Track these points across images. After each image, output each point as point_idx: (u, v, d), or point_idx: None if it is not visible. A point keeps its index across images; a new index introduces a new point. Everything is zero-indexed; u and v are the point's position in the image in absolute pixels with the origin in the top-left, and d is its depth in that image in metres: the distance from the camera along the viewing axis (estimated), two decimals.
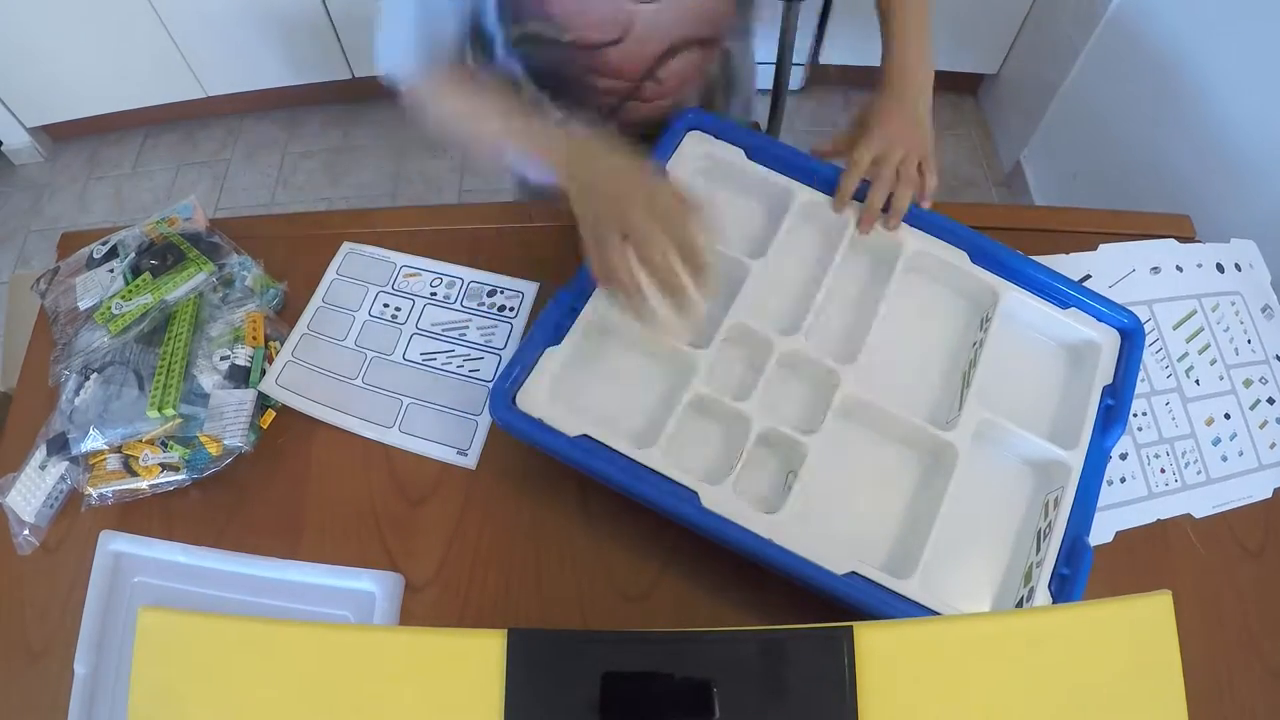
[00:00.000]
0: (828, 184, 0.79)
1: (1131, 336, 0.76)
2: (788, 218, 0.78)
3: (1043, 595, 0.65)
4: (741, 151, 0.80)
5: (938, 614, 0.63)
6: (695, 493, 0.65)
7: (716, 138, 0.81)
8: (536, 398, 0.67)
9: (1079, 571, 0.66)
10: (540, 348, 0.69)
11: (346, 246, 0.85)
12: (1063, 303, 0.78)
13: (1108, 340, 0.77)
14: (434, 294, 0.83)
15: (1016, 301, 0.77)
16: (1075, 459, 0.70)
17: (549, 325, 0.69)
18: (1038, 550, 0.68)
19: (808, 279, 0.77)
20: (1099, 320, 0.77)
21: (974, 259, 0.78)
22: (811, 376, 0.73)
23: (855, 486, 0.70)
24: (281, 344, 0.78)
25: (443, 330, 0.81)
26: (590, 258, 0.67)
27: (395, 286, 0.83)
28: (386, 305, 0.82)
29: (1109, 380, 0.75)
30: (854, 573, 0.63)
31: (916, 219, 0.78)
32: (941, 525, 0.66)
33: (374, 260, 0.85)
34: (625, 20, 0.76)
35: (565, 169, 0.69)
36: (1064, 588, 0.65)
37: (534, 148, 0.73)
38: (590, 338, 0.72)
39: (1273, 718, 0.67)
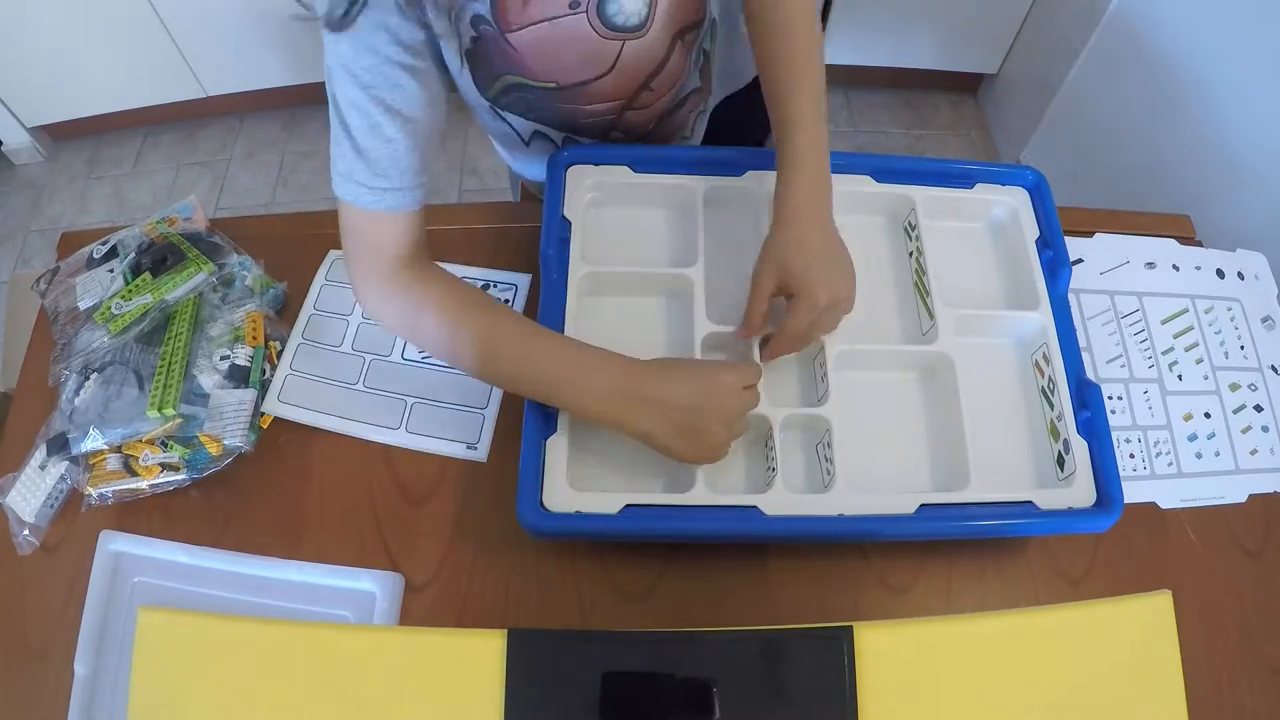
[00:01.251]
0: (718, 167, 0.80)
1: (1038, 188, 0.81)
2: (699, 212, 0.78)
3: (1078, 444, 0.69)
4: (626, 168, 0.80)
5: (1003, 504, 0.67)
6: (754, 507, 0.65)
7: (596, 165, 0.80)
8: (561, 492, 0.65)
9: (1097, 409, 0.70)
10: (540, 442, 0.66)
11: (334, 253, 0.84)
12: (968, 183, 0.82)
13: (1020, 200, 0.81)
14: None
15: (929, 199, 0.80)
16: (1044, 313, 0.75)
17: (537, 417, 0.67)
18: (1051, 406, 0.72)
19: (746, 261, 0.77)
20: (1004, 185, 0.82)
21: (877, 179, 0.81)
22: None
23: (880, 431, 0.72)
24: (281, 344, 0.78)
25: None
26: (690, 460, 0.65)
27: None
28: None
29: (1037, 234, 0.79)
30: (922, 505, 0.66)
31: None
32: (968, 426, 0.69)
33: None
34: (609, 55, 0.72)
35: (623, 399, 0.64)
36: (1092, 428, 0.69)
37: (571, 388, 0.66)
38: None
39: (1273, 718, 0.67)
